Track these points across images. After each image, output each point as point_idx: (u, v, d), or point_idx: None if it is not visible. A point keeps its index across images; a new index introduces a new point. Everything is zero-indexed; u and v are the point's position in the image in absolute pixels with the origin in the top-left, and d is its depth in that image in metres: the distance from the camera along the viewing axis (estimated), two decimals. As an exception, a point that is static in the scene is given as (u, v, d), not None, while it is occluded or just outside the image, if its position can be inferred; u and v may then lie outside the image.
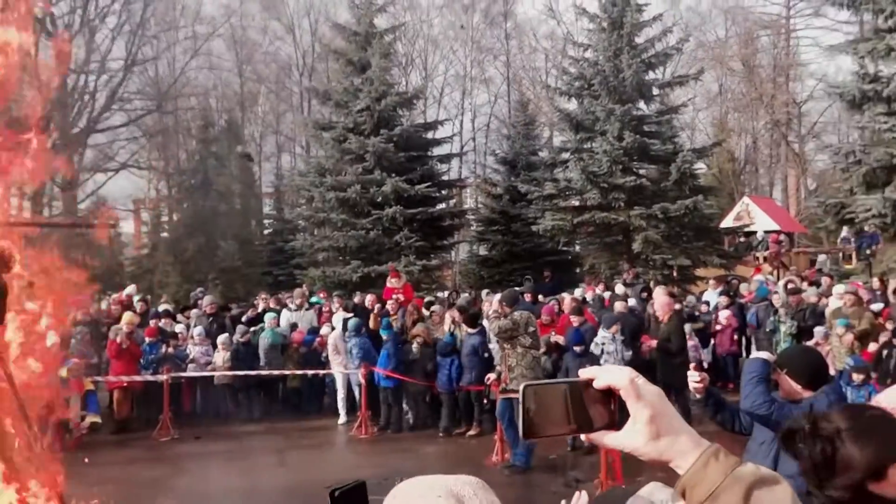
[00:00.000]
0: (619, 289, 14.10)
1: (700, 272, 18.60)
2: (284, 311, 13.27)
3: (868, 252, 17.39)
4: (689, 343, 10.49)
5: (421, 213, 19.40)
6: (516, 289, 12.13)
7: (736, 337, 12.66)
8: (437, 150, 23.04)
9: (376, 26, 21.91)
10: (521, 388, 0.99)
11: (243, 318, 12.79)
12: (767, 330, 11.61)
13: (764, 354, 3.94)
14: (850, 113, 19.64)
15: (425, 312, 11.95)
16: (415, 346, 10.43)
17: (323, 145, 21.80)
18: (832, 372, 9.93)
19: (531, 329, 8.63)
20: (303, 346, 11.99)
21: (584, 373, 1.01)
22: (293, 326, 12.47)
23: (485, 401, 10.07)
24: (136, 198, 33.11)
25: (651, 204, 17.53)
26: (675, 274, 18.23)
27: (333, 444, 10.61)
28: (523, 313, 8.70)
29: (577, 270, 22.42)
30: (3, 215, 4.05)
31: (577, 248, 22.99)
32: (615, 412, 0.99)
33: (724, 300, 12.96)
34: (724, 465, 0.94)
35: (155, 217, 30.75)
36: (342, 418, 11.27)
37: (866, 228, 17.25)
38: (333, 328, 11.88)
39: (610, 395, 0.99)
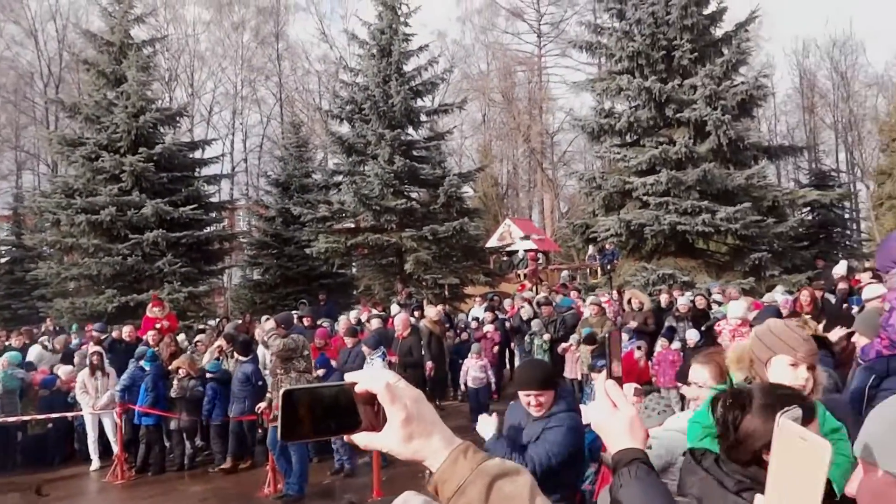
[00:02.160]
0: (394, 309, 14.42)
1: (469, 290, 19.62)
2: (34, 347, 11.75)
3: (609, 267, 19.55)
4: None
5: (186, 237, 18.27)
6: (289, 312, 11.87)
7: (497, 350, 13.39)
8: (204, 171, 21.91)
9: (133, 37, 20.42)
10: (281, 392, 0.99)
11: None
12: (526, 342, 12.55)
13: None
14: (591, 144, 22.05)
15: (186, 343, 11.26)
16: (176, 381, 9.74)
17: (71, 163, 19.71)
18: (578, 375, 11.02)
19: (306, 352, 8.50)
20: (43, 388, 10.66)
21: (349, 377, 1.03)
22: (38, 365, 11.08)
23: (259, 430, 9.69)
24: None
25: (421, 226, 18.20)
26: (446, 292, 19.05)
27: (85, 494, 9.53)
28: (298, 337, 8.54)
29: (354, 292, 22.56)
30: None
31: (354, 269, 23.16)
32: (379, 414, 1.02)
33: (488, 316, 13.78)
34: (472, 461, 0.99)
35: None
36: (95, 464, 10.18)
37: (607, 246, 19.40)
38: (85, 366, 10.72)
39: (374, 397, 1.02)
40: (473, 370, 10.70)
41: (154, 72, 22.73)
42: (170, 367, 9.99)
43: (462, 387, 11.17)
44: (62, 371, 11.05)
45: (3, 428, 10.37)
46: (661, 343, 10.20)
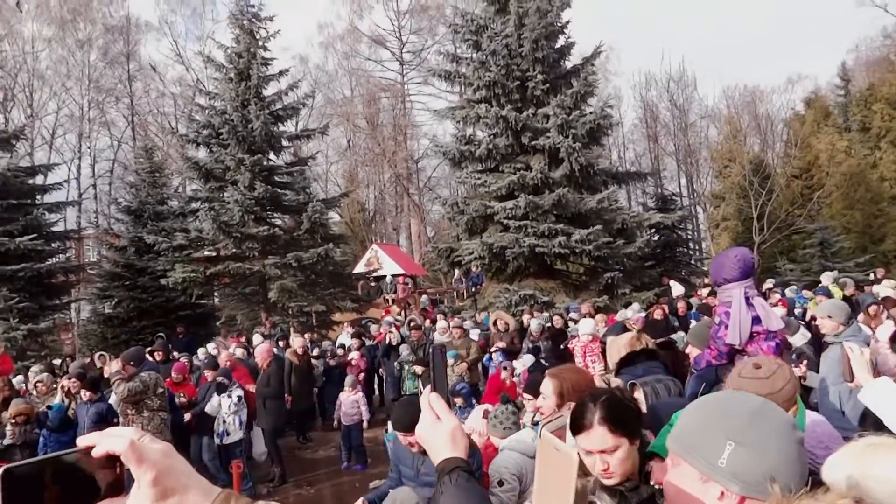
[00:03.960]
0: (257, 339, 13.99)
1: (336, 317, 19.40)
2: None
3: (474, 290, 20.04)
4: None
5: (24, 270, 16.87)
6: (140, 347, 11.22)
7: (364, 377, 13.32)
8: (46, 198, 20.40)
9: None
10: None
11: None
12: (395, 368, 12.57)
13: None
14: (453, 169, 22.62)
15: (24, 385, 10.36)
16: (9, 428, 8.90)
17: None
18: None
19: (160, 390, 8.07)
20: None
21: (83, 440, 0.95)
22: None
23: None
24: None
25: (285, 253, 17.84)
26: (313, 320, 18.73)
27: None
28: (151, 374, 8.09)
29: (216, 323, 21.64)
30: None
31: (216, 299, 22.25)
32: (122, 477, 0.95)
33: (355, 342, 13.69)
34: None
35: None
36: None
37: (473, 269, 19.90)
38: None
39: (116, 460, 0.94)
40: (346, 405, 10.53)
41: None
42: (8, 415, 9.12)
43: (335, 422, 10.95)
44: None
45: None
46: (523, 362, 10.55)
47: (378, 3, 41.81)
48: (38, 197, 20.14)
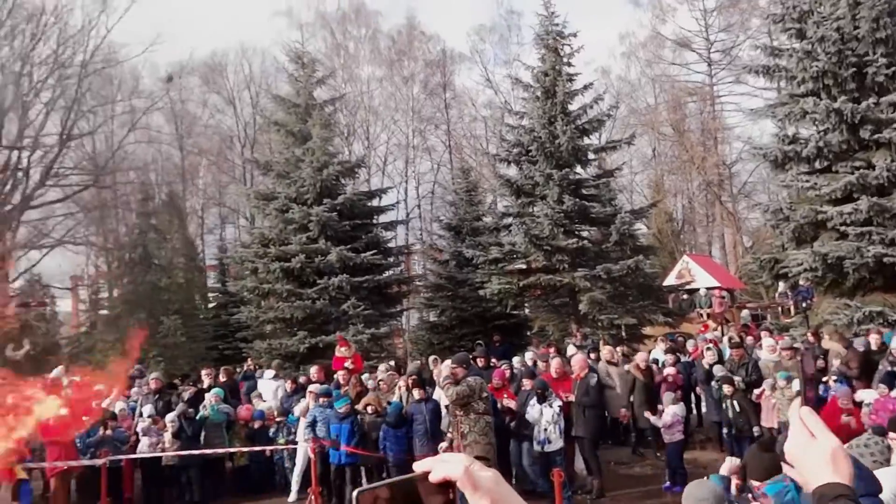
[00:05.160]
0: (571, 350, 14.21)
1: (648, 331, 18.89)
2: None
3: (804, 305, 18.01)
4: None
5: (367, 282, 19.31)
6: (466, 353, 12.07)
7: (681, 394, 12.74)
8: (381, 218, 23.14)
9: (316, 98, 22.23)
10: (353, 495, 0.96)
11: (185, 396, 12.33)
12: (714, 388, 11.78)
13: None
14: (774, 173, 20.61)
15: (370, 383, 11.81)
16: (367, 417, 10.21)
17: (266, 216, 21.67)
18: (775, 424, 10.15)
19: (484, 394, 8.60)
20: (252, 422, 11.62)
21: (419, 465, 1.00)
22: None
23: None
24: (73, 275, 32.07)
25: (594, 265, 17.87)
26: (623, 333, 18.47)
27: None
28: (476, 378, 8.67)
29: (528, 333, 22.52)
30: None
31: (527, 310, 23.16)
32: (455, 501, 0.98)
33: (670, 358, 13.16)
34: None
35: (93, 294, 29.75)
36: (292, 496, 10.86)
37: (801, 282, 17.89)
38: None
39: (449, 484, 0.97)
40: (667, 422, 10.10)
41: (335, 128, 24.58)
42: (356, 407, 10.50)
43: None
44: (264, 407, 12.00)
45: (216, 459, 11.40)
46: (879, 391, 9.17)
47: (682, 4, 40.12)
48: (376, 217, 22.91)
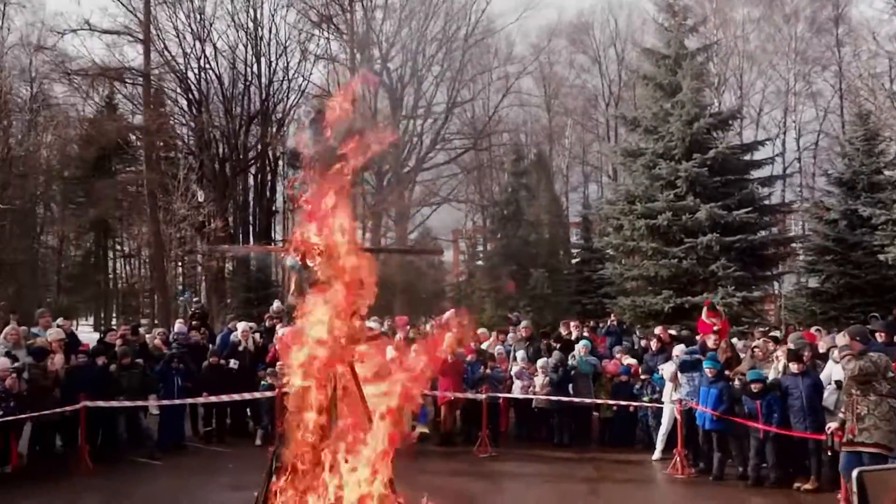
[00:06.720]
0: None
1: None
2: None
3: None
4: None
5: (740, 242, 18.03)
6: (862, 326, 10.53)
7: None
8: (756, 173, 21.35)
9: (687, 47, 21.13)
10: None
11: (556, 344, 12.96)
12: None
13: None
14: None
15: (741, 350, 11.03)
16: (736, 384, 9.60)
17: (632, 173, 21.50)
18: None
19: (890, 374, 7.42)
20: (618, 376, 11.82)
21: None
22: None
23: (828, 452, 8.83)
24: (455, 229, 36.12)
25: None
26: None
27: (648, 481, 10.16)
28: (881, 355, 7.51)
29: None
30: (353, 242, 4.87)
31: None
32: None
33: None
34: None
35: (471, 246, 33.15)
36: (657, 454, 10.79)
37: None
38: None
39: None
40: None
41: (706, 79, 23.14)
42: (733, 372, 9.94)
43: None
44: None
45: (582, 407, 11.86)
46: None
47: None
48: (750, 172, 21.14)
